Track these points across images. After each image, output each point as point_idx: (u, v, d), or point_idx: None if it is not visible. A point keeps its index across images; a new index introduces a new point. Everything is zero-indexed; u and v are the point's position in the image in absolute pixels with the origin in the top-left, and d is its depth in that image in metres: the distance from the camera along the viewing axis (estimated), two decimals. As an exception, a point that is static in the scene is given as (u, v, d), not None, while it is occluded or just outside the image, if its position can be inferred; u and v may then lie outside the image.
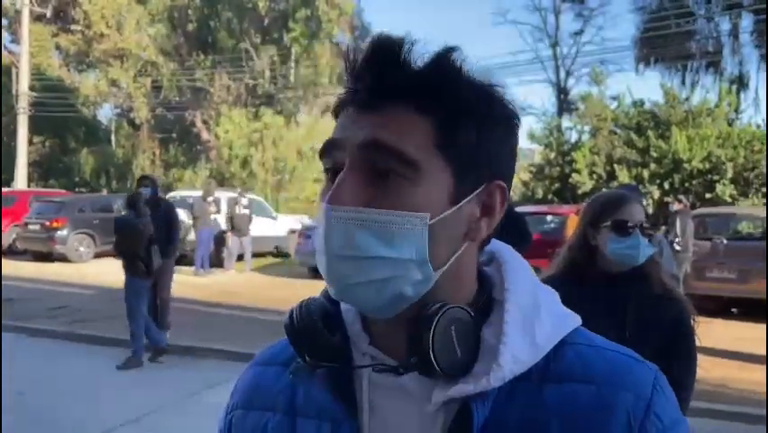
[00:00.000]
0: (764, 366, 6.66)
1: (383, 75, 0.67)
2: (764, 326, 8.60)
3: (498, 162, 0.72)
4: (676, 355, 1.94)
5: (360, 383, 0.73)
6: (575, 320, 0.74)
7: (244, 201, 14.10)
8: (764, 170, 14.84)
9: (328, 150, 0.70)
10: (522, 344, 0.69)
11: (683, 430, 0.70)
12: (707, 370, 5.85)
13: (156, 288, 7.43)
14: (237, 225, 13.74)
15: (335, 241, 0.66)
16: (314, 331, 0.71)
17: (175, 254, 7.73)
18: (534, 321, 0.71)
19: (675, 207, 8.64)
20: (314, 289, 0.78)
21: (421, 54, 0.68)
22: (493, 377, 0.67)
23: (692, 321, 2.01)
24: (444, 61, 0.68)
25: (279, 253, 16.75)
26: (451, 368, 0.67)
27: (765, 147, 14.52)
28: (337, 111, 0.72)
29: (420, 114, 0.67)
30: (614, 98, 19.48)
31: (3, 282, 8.63)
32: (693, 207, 13.15)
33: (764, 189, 14.93)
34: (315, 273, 13.79)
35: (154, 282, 7.33)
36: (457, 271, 0.71)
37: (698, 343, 2.03)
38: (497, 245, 0.79)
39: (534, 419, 0.67)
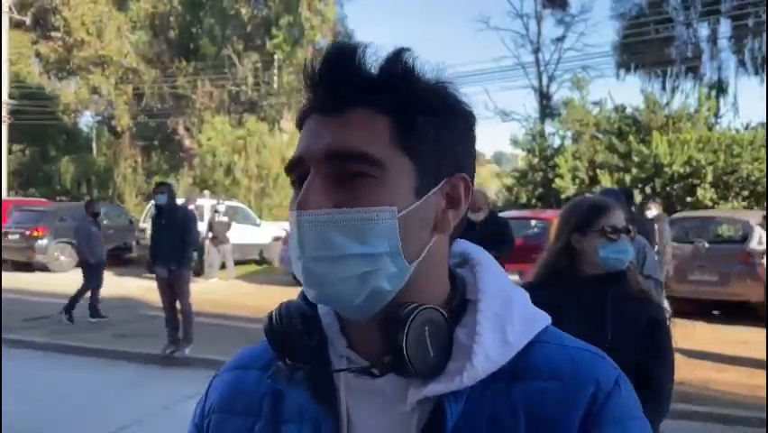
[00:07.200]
0: (743, 369, 6.74)
1: (341, 79, 0.69)
2: (745, 328, 8.72)
3: (459, 156, 0.74)
4: (654, 354, 2.00)
5: (338, 385, 0.74)
6: (545, 320, 0.77)
7: (222, 208, 14.10)
8: (744, 174, 15.02)
9: (295, 165, 0.72)
10: (494, 343, 0.71)
11: (641, 427, 0.71)
12: (688, 372, 5.92)
13: (174, 299, 7.29)
14: (216, 233, 13.74)
15: (309, 244, 0.68)
16: (293, 334, 0.73)
17: (190, 263, 7.52)
18: (506, 321, 0.72)
19: (652, 212, 8.53)
20: (297, 295, 0.78)
21: (375, 58, 0.70)
22: (466, 376, 0.68)
23: (668, 321, 2.07)
24: (397, 62, 0.71)
25: (263, 261, 16.67)
26: (423, 368, 0.68)
27: (765, 150, 14.63)
28: (302, 122, 0.74)
29: (378, 114, 0.70)
30: (595, 104, 19.60)
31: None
32: (674, 210, 13.26)
33: (744, 193, 15.11)
34: (298, 281, 13.76)
35: (172, 294, 7.20)
36: (429, 264, 0.72)
37: (675, 345, 2.08)
38: (470, 248, 0.81)
39: (503, 415, 0.69)
